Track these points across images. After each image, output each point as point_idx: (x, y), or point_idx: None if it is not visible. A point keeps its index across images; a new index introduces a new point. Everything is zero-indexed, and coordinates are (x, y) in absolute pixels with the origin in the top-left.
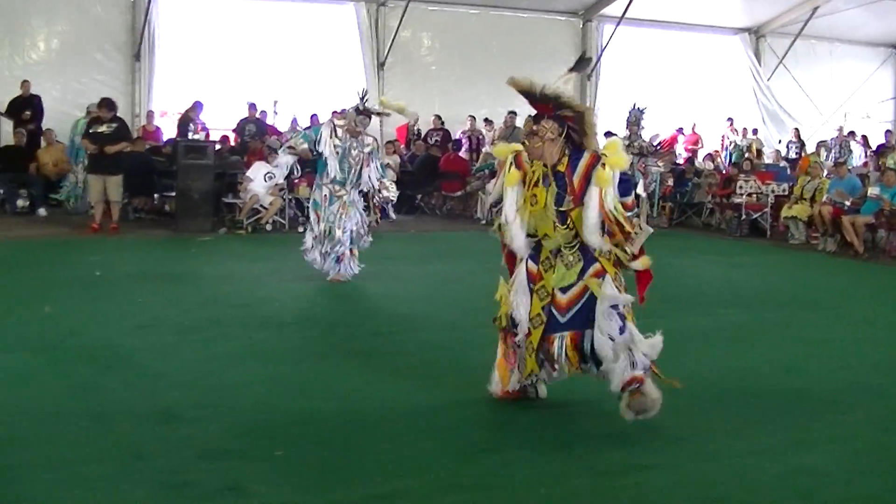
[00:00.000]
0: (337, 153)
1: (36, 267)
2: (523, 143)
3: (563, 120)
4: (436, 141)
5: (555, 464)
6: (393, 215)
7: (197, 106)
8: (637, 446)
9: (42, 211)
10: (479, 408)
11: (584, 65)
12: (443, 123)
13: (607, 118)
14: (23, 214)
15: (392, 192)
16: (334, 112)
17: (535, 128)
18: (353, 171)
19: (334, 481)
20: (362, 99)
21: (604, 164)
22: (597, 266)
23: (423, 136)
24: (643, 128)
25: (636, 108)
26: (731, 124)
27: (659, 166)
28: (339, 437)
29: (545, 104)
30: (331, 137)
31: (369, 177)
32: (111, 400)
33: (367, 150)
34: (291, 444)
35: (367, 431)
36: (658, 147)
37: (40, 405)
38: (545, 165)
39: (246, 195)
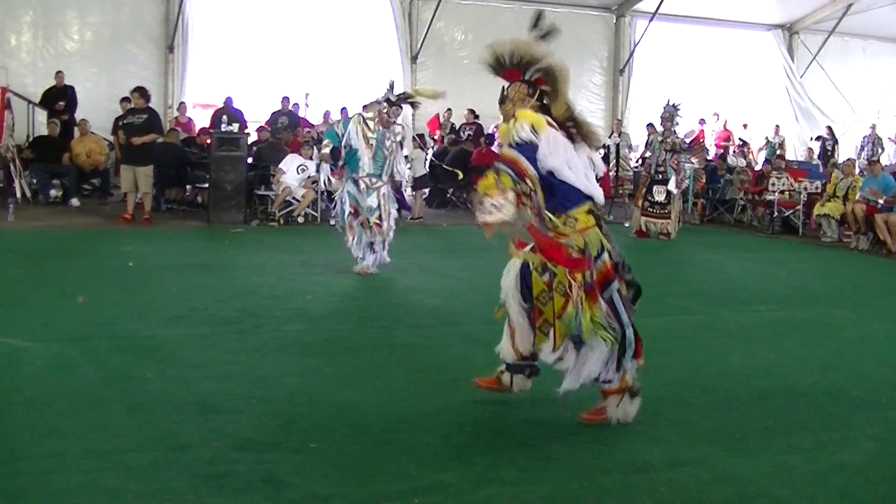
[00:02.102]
0: (371, 146)
1: (69, 257)
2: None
3: (535, 83)
4: (469, 135)
5: (590, 459)
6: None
7: (228, 102)
8: (672, 443)
9: (75, 201)
10: (517, 402)
11: (541, 23)
12: (476, 117)
13: (640, 113)
14: (56, 204)
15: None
16: (364, 107)
17: (505, 92)
18: (387, 161)
19: (369, 474)
20: (391, 89)
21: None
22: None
23: (456, 129)
24: (678, 124)
25: (670, 104)
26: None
27: (692, 163)
28: (374, 430)
29: (514, 69)
30: (362, 131)
31: (397, 168)
32: (147, 390)
33: (397, 139)
34: (326, 436)
35: (402, 424)
36: (690, 143)
37: (77, 395)
38: None
39: (278, 187)
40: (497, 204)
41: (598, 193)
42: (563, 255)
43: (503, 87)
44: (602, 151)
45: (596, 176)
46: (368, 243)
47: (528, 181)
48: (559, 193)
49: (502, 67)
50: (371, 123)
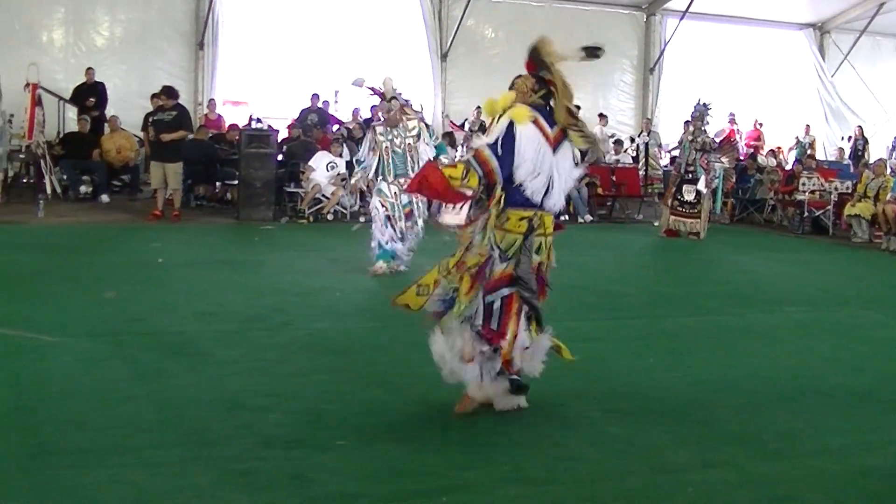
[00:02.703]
0: (387, 150)
1: (98, 253)
2: None
3: (545, 82)
4: None
5: (617, 460)
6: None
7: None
8: (699, 444)
9: (105, 197)
10: (545, 401)
11: (594, 52)
12: None
13: (670, 112)
14: (86, 200)
15: None
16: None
17: (515, 82)
18: (406, 159)
19: (397, 472)
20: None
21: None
22: None
23: (487, 127)
24: (708, 123)
25: (701, 103)
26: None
27: (723, 162)
28: (402, 428)
29: (531, 62)
30: (370, 140)
31: (419, 161)
32: (175, 386)
33: (412, 133)
34: (354, 434)
35: (430, 422)
36: (720, 143)
37: (106, 390)
38: None
39: (308, 185)
40: (457, 210)
41: (554, 203)
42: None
43: (518, 76)
44: (632, 150)
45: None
46: (398, 237)
47: (494, 185)
48: (509, 190)
49: (528, 57)
50: (380, 129)
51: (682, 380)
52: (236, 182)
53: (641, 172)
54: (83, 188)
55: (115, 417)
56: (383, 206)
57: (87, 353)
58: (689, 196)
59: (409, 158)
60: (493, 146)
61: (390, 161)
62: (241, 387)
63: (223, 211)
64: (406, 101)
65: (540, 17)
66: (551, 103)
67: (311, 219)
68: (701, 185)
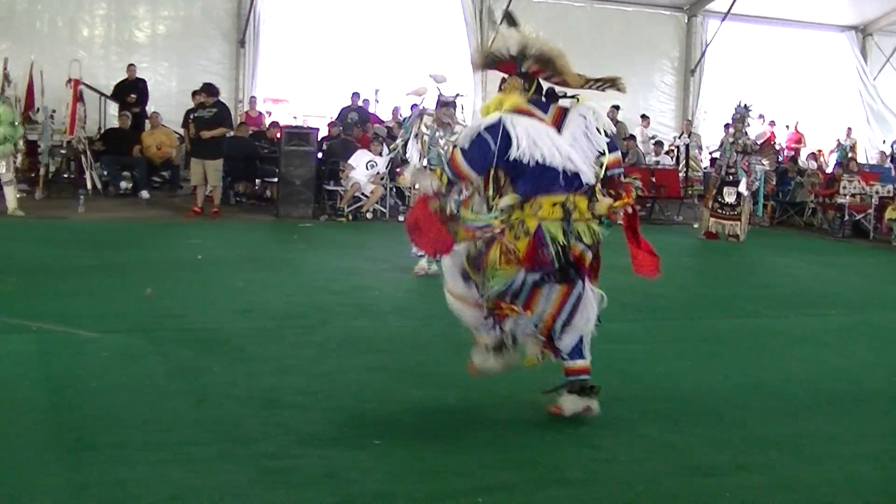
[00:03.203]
0: (423, 143)
1: (138, 249)
2: None
3: (530, 75)
4: None
5: (653, 462)
6: None
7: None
8: (738, 447)
9: (145, 193)
10: None
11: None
12: None
13: (710, 114)
14: (126, 196)
15: None
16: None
17: (502, 87)
18: (442, 159)
19: (432, 472)
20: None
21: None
22: None
23: None
24: (749, 125)
25: (742, 105)
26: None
27: (763, 164)
28: (438, 428)
29: (510, 63)
30: (416, 127)
31: None
32: (212, 383)
33: (453, 138)
34: (389, 433)
35: (466, 422)
36: (761, 145)
37: (143, 386)
38: None
39: (347, 183)
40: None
41: (586, 172)
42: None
43: (502, 79)
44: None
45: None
46: None
47: (464, 183)
48: (527, 180)
49: (499, 62)
50: (428, 120)
51: (719, 382)
52: (276, 179)
53: (681, 174)
54: (123, 184)
55: (152, 413)
56: None
57: (125, 348)
58: (729, 198)
59: (443, 159)
60: (467, 147)
61: (429, 156)
62: (277, 384)
63: (262, 208)
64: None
65: (581, 17)
66: (542, 97)
67: (350, 217)
68: (742, 188)
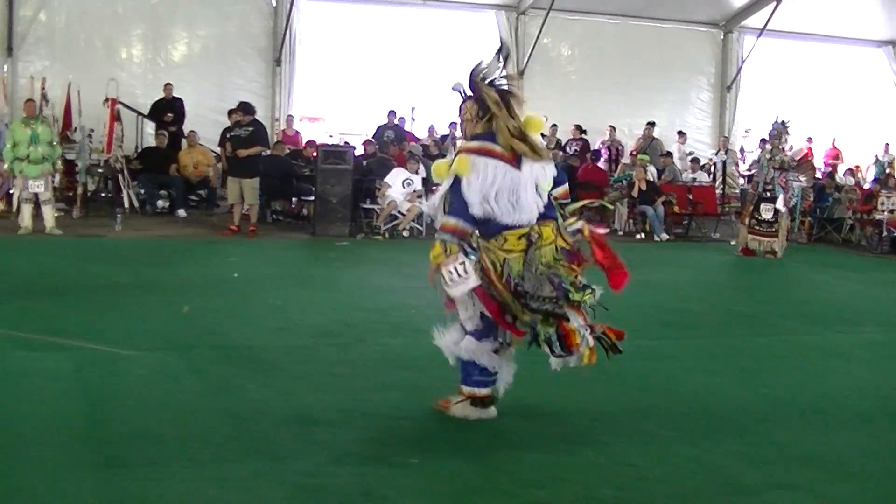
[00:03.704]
0: None
1: (174, 267)
2: None
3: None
4: (575, 151)
5: (689, 480)
6: None
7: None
8: (772, 465)
9: (181, 212)
10: (616, 420)
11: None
12: (583, 133)
13: (753, 132)
14: (163, 215)
15: None
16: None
17: (461, 107)
18: None
19: (468, 491)
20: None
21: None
22: None
23: (562, 145)
24: (786, 141)
25: (778, 121)
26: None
27: (801, 181)
28: (474, 446)
29: (471, 87)
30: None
31: None
32: (248, 400)
33: None
34: (426, 451)
35: (502, 440)
36: (798, 161)
37: (179, 403)
38: None
39: (384, 201)
40: (462, 274)
41: (525, 218)
42: None
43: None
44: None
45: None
46: None
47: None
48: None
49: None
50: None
51: (755, 399)
52: (312, 198)
53: (718, 191)
54: (160, 202)
55: (187, 430)
56: None
57: (161, 366)
58: (766, 215)
59: None
60: (451, 207)
61: None
62: (313, 402)
63: (299, 226)
64: None
65: (616, 35)
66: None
67: (387, 235)
68: (779, 204)
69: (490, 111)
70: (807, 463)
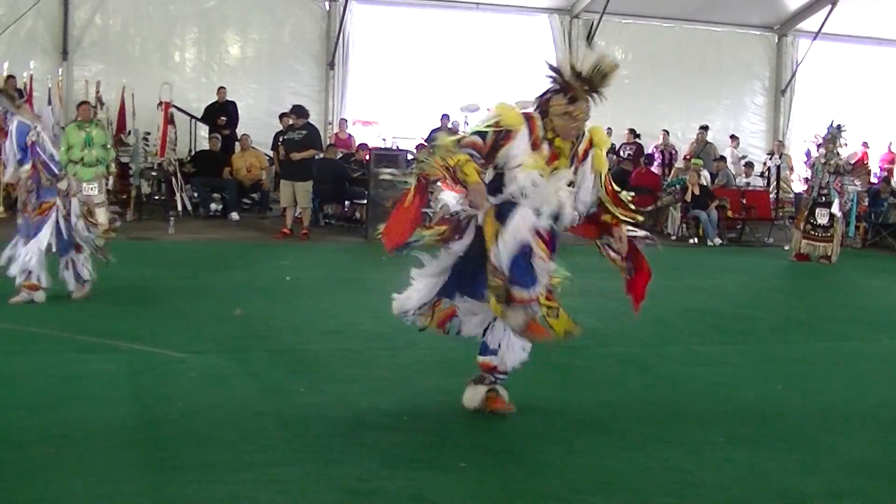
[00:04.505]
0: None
1: (227, 270)
2: (552, 120)
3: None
4: (628, 155)
5: (743, 488)
6: None
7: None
8: (828, 473)
9: (234, 215)
10: (669, 426)
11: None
12: (637, 137)
13: (802, 135)
14: (216, 218)
15: None
16: None
17: (571, 109)
18: None
19: (519, 496)
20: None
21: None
22: None
23: (616, 149)
24: (841, 146)
25: (834, 125)
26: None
27: (856, 185)
28: (525, 452)
29: (587, 84)
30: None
31: None
32: (299, 404)
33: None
34: (477, 456)
35: (554, 446)
36: (853, 165)
37: (231, 406)
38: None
39: (436, 204)
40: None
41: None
42: None
43: (567, 97)
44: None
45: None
46: None
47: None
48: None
49: (575, 79)
50: None
51: (810, 406)
52: (365, 201)
53: (772, 195)
54: (213, 206)
55: (238, 434)
56: None
57: (212, 368)
58: (821, 219)
59: None
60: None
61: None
62: (365, 406)
63: (352, 230)
64: None
65: (669, 38)
66: None
67: None
68: (835, 209)
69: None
70: (864, 470)
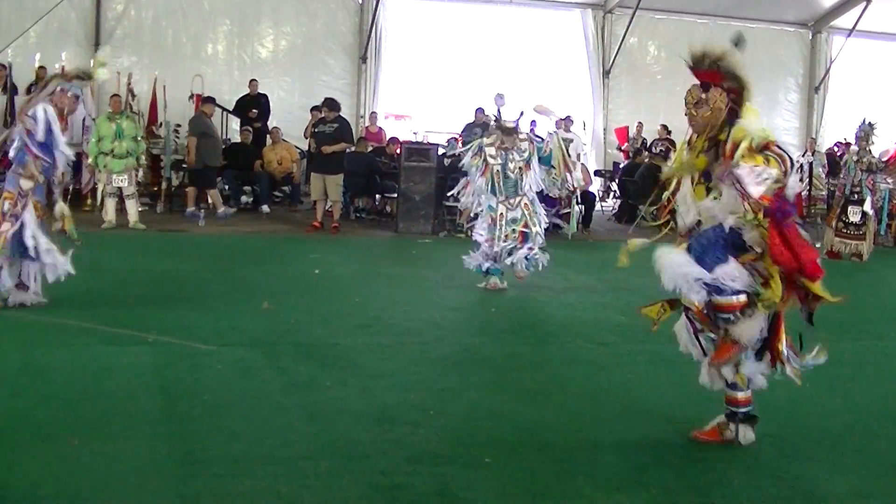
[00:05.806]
0: (497, 171)
1: (257, 263)
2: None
3: (729, 92)
4: (661, 150)
5: (771, 487)
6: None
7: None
8: (857, 474)
9: (265, 208)
10: (695, 424)
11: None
12: (669, 133)
13: (835, 132)
14: (247, 211)
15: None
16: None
17: (704, 96)
18: (517, 182)
19: (545, 493)
20: (499, 117)
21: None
22: None
23: (648, 145)
24: (874, 143)
25: (866, 122)
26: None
27: (889, 183)
28: (552, 448)
29: (715, 73)
30: (478, 157)
31: (530, 185)
32: (326, 398)
33: (524, 156)
34: (503, 452)
35: (581, 442)
36: (885, 163)
37: (257, 400)
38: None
39: (467, 199)
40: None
41: None
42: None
43: (697, 87)
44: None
45: None
46: (505, 251)
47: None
48: None
49: (700, 67)
50: (492, 150)
51: (840, 406)
52: (396, 195)
53: (804, 193)
54: (244, 198)
55: (265, 428)
56: (493, 222)
57: (240, 362)
58: (854, 217)
59: (519, 181)
60: None
61: (501, 183)
62: (392, 401)
63: (382, 223)
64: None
65: (703, 35)
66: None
67: (470, 233)
68: (867, 207)
69: (742, 97)
70: (892, 470)
